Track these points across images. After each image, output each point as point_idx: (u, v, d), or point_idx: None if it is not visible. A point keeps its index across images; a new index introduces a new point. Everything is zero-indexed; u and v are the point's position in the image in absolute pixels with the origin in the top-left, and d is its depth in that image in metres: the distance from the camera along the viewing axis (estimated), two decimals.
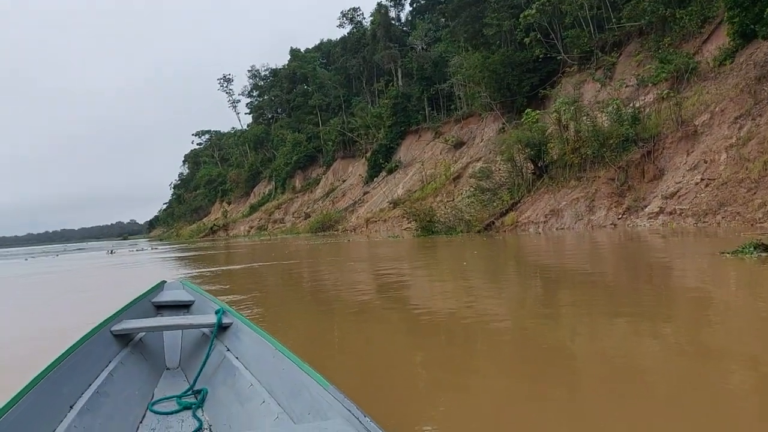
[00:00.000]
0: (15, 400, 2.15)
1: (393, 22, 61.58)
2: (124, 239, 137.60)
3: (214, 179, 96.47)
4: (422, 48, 53.89)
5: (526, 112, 21.78)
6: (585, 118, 18.90)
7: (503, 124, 32.97)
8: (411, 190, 41.14)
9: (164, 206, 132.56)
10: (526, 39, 30.41)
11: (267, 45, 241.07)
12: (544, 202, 18.58)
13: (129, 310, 3.79)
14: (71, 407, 2.50)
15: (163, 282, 4.58)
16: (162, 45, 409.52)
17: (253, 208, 75.15)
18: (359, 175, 57.39)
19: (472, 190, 23.04)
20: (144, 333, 3.66)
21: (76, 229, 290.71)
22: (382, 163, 51.23)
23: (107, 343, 3.27)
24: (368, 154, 55.74)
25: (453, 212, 20.76)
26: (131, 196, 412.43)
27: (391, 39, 58.83)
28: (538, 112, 22.28)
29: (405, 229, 33.63)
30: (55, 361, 2.61)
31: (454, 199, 32.85)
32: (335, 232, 44.57)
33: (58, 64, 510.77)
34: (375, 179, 52.26)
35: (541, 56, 29.49)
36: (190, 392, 3.17)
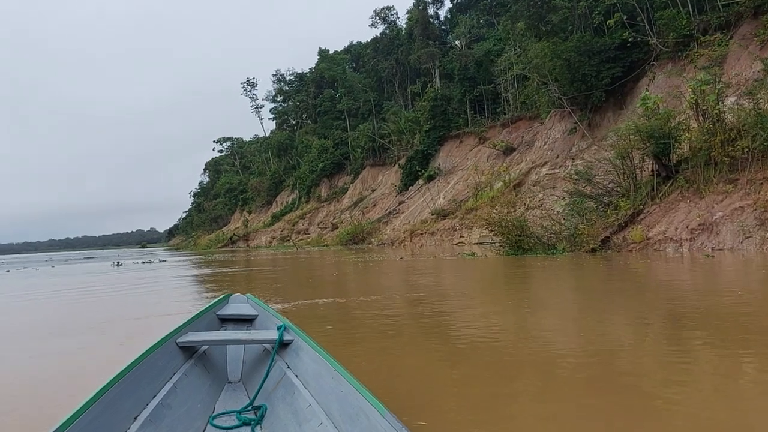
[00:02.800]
0: (83, 410, 2.15)
1: (431, 20, 57.17)
2: (142, 247, 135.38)
3: (234, 187, 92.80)
4: (464, 46, 49.26)
5: (642, 96, 16.99)
6: (731, 101, 14.18)
7: (575, 123, 28.15)
8: (455, 199, 36.40)
9: (184, 215, 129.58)
10: (609, 21, 25.65)
11: (293, 50, 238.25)
12: (682, 213, 13.71)
13: (195, 322, 3.78)
14: (135, 418, 2.49)
15: (229, 295, 4.53)
16: (186, 53, 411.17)
17: (276, 218, 70.89)
18: (391, 183, 52.85)
19: (568, 197, 18.12)
20: (208, 345, 3.60)
21: (97, 236, 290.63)
22: (418, 171, 46.56)
23: (172, 354, 3.25)
24: (402, 161, 51.21)
25: (551, 225, 15.85)
26: (152, 204, 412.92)
27: (429, 37, 54.40)
28: (657, 95, 17.47)
29: (458, 244, 28.82)
30: (122, 371, 2.59)
31: (516, 210, 28.05)
32: (369, 245, 39.86)
33: (84, 74, 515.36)
34: (410, 188, 47.61)
35: (629, 40, 24.64)
36: (249, 408, 3.13)
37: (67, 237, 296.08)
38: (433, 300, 8.20)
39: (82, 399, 2.21)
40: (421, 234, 31.87)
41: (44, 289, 14.74)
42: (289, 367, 3.32)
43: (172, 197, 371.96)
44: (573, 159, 27.92)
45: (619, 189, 15.97)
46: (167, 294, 11.09)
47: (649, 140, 14.75)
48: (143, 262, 28.79)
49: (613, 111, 27.58)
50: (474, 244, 28.10)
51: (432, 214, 35.34)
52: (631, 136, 15.19)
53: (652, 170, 15.37)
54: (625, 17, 25.47)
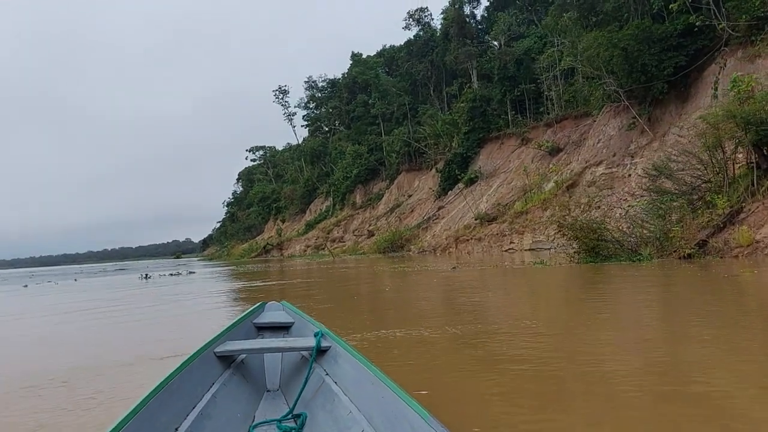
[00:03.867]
0: (122, 424, 2.13)
1: (467, 19, 55.35)
2: (177, 257, 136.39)
3: (267, 196, 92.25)
4: (503, 44, 47.30)
5: (733, 78, 14.94)
6: None
7: (633, 118, 25.99)
8: (500, 203, 34.44)
9: (218, 225, 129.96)
10: (672, 5, 23.51)
11: (325, 57, 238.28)
12: None
13: (232, 331, 3.73)
14: (176, 430, 2.48)
15: (264, 303, 4.49)
16: (217, 63, 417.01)
17: (310, 226, 69.74)
18: (429, 188, 51.09)
19: (646, 196, 16.03)
20: (245, 354, 3.56)
21: (134, 247, 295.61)
22: (457, 174, 44.70)
23: (211, 364, 3.21)
24: (439, 165, 49.42)
25: (634, 227, 13.77)
26: (188, 214, 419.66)
27: (466, 37, 52.60)
28: (751, 75, 15.36)
29: (508, 250, 26.87)
30: (161, 382, 2.55)
31: (570, 213, 25.99)
32: (408, 253, 38.11)
33: (120, 84, 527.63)
34: (449, 192, 45.75)
35: (697, 24, 22.42)
36: (290, 416, 3.08)
37: (105, 249, 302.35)
38: (552, 333, 6.45)
39: (121, 413, 2.16)
40: (467, 240, 29.99)
41: (39, 311, 12.79)
42: (327, 374, 3.28)
43: (207, 207, 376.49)
44: (632, 157, 25.80)
45: (707, 185, 13.89)
46: (184, 321, 9.50)
47: (746, 128, 12.70)
48: (171, 274, 27.58)
49: (675, 104, 25.36)
50: (526, 250, 26.14)
51: (475, 219, 33.44)
52: (722, 124, 13.15)
53: (749, 162, 13.30)
54: (688, 1, 23.32)
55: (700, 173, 14.34)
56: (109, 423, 2.10)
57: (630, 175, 25.29)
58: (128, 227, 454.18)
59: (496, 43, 52.02)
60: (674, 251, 12.48)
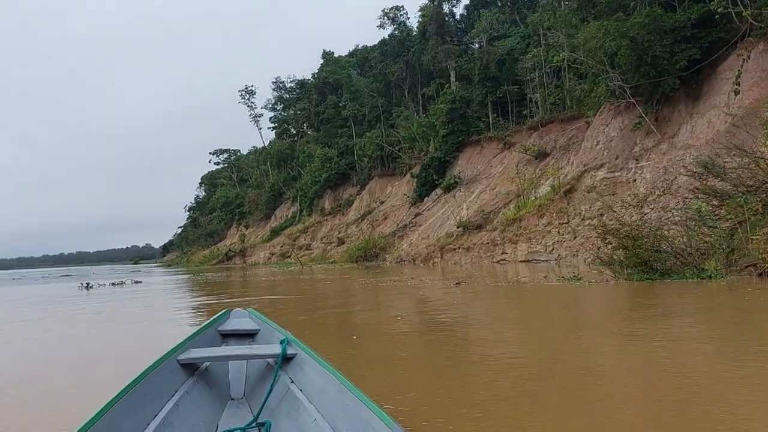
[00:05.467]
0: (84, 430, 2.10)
1: (446, 17, 52.83)
2: (135, 263, 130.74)
3: (231, 201, 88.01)
4: (485, 43, 44.91)
5: None
6: None
7: (639, 117, 23.55)
8: (484, 210, 31.69)
9: (179, 230, 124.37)
10: None
11: (294, 58, 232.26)
12: None
13: (196, 338, 3.64)
14: None
15: (230, 310, 4.36)
16: (182, 63, 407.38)
17: (275, 233, 65.97)
18: (403, 194, 48.25)
19: (693, 197, 13.18)
20: (209, 362, 3.49)
21: (92, 252, 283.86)
22: (435, 180, 41.91)
23: (174, 372, 3.14)
24: (414, 170, 46.64)
25: (695, 235, 10.81)
26: (148, 219, 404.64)
27: (445, 35, 50.10)
28: None
29: (501, 261, 24.01)
30: (122, 390, 2.49)
31: (569, 221, 23.37)
32: (384, 263, 35.01)
33: (81, 84, 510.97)
34: (426, 199, 42.94)
35: (718, 11, 20.02)
36: (253, 424, 2.98)
37: (61, 252, 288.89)
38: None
39: (80, 421, 2.09)
40: (454, 250, 27.03)
41: None
42: (293, 382, 3.22)
43: (168, 212, 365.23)
44: (637, 160, 23.35)
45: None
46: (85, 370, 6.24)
47: None
48: (113, 284, 23.77)
49: (685, 103, 23.02)
50: (520, 261, 23.35)
51: (458, 227, 30.61)
52: None
53: None
54: None
55: (751, 171, 11.55)
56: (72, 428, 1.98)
57: (636, 180, 22.83)
58: (87, 231, 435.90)
59: (476, 43, 49.72)
60: (749, 266, 9.74)
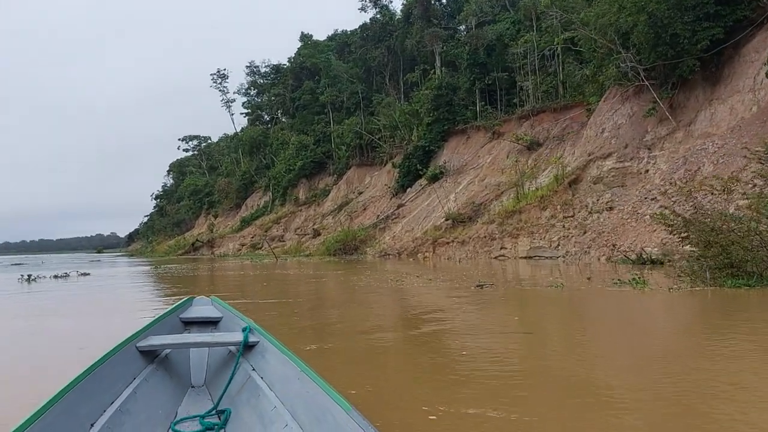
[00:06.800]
0: (35, 417, 2.02)
1: (432, 1, 50.39)
2: (99, 252, 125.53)
3: (200, 189, 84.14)
4: (474, 26, 42.66)
5: None
6: None
7: (652, 102, 21.54)
8: (473, 201, 29.51)
9: (145, 219, 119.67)
10: None
11: (270, 42, 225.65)
12: None
13: (157, 325, 3.58)
14: (92, 425, 2.38)
15: (192, 297, 4.30)
16: (152, 45, 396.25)
17: (245, 222, 62.86)
18: (383, 185, 45.81)
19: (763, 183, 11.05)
20: (170, 349, 3.44)
21: (55, 239, 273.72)
22: (419, 170, 39.52)
23: (132, 359, 3.08)
24: (396, 160, 44.23)
25: None
26: (115, 207, 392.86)
27: (431, 18, 47.75)
28: None
29: (499, 257, 21.81)
30: (78, 376, 2.44)
31: (574, 214, 21.29)
32: (364, 256, 32.59)
33: (45, 63, 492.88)
34: (408, 190, 40.59)
35: None
36: (213, 412, 2.97)
37: (23, 240, 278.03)
38: None
39: (35, 406, 2.04)
40: (447, 243, 24.73)
41: None
42: (254, 370, 3.16)
43: (136, 201, 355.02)
44: (650, 149, 21.38)
45: None
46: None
47: None
48: (55, 276, 20.72)
49: (703, 87, 21.09)
50: (521, 257, 21.20)
51: (446, 219, 28.37)
52: None
53: None
54: None
55: None
56: (21, 416, 1.91)
57: (648, 171, 20.86)
58: (50, 218, 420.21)
59: (463, 27, 47.49)
60: None
